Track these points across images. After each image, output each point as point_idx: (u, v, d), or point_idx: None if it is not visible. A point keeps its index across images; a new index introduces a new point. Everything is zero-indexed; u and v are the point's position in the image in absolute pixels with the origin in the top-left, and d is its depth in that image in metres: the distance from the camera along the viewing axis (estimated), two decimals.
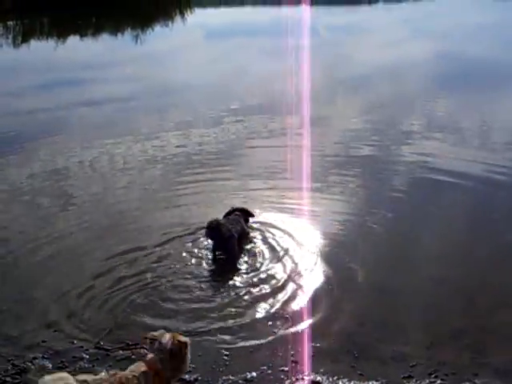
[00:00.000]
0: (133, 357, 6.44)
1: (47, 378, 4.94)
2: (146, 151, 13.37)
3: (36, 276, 8.34)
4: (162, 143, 13.95)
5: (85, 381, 5.05)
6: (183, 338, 5.34)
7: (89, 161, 12.73)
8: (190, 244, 8.78)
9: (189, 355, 5.37)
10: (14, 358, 6.65)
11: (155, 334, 5.35)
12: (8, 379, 6.34)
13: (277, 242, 8.79)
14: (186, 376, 6.12)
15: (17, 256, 8.80)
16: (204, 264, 8.25)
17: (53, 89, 20.85)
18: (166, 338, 5.24)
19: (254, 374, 6.20)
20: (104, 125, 15.84)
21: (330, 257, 8.25)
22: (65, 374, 5.05)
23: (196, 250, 8.57)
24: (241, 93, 19.13)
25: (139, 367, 5.19)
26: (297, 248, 8.53)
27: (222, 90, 19.82)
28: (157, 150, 13.41)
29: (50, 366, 6.50)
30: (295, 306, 7.29)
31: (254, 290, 7.66)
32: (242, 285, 7.75)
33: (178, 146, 13.63)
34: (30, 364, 6.52)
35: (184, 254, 8.53)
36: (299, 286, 7.60)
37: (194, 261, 8.27)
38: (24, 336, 6.99)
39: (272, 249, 8.68)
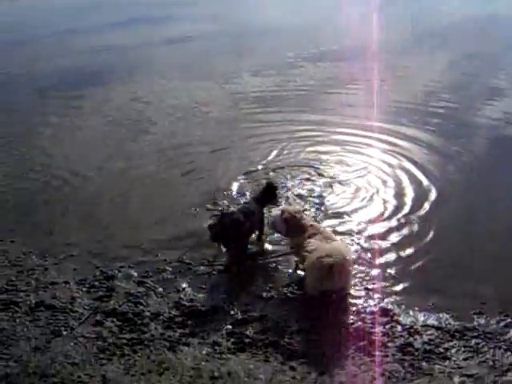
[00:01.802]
0: (213, 272, 6.71)
1: None
2: (223, 92, 13.49)
3: (132, 199, 8.91)
4: (240, 85, 14.02)
5: None
6: None
7: (166, 100, 12.95)
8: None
9: None
10: (103, 266, 7.02)
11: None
12: (96, 283, 6.72)
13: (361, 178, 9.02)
14: (264, 293, 6.35)
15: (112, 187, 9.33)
16: None
17: (130, 26, 21.16)
18: None
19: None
20: (182, 64, 16.05)
21: (414, 199, 8.29)
22: None
23: None
24: (321, 38, 18.94)
25: None
26: (384, 187, 8.61)
27: (302, 34, 19.66)
28: (234, 90, 13.50)
29: (135, 274, 6.81)
30: (378, 241, 7.39)
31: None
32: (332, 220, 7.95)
33: (255, 87, 13.65)
34: (116, 272, 6.86)
35: None
36: (384, 225, 7.71)
37: None
38: (112, 249, 7.33)
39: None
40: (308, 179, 9.09)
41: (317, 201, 8.40)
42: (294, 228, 6.61)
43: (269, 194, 7.45)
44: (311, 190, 8.70)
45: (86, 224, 8.14)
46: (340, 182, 8.91)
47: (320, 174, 9.17)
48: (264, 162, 9.71)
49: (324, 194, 8.54)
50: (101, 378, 5.42)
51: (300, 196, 8.52)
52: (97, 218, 8.29)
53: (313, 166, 9.45)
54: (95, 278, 6.85)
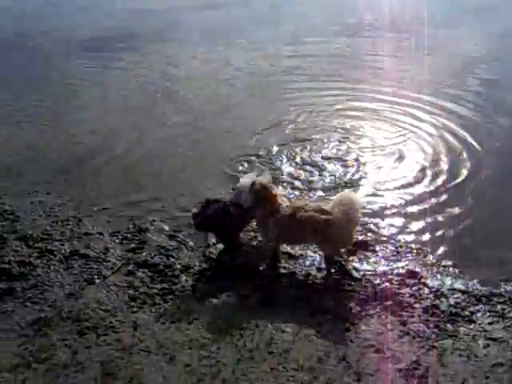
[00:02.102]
0: None
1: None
2: (257, 60, 13.46)
3: (167, 156, 9.12)
4: (274, 53, 13.97)
5: None
6: None
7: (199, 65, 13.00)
8: None
9: None
10: (136, 219, 7.15)
11: None
12: (129, 236, 6.87)
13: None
14: (292, 251, 6.44)
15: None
16: None
17: None
18: None
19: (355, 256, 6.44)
20: (216, 30, 15.99)
21: (451, 167, 8.30)
22: None
23: None
24: (359, 7, 18.69)
25: None
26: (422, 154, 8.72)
27: (340, 3, 19.41)
28: (268, 59, 13.46)
29: (167, 228, 6.95)
30: (411, 206, 7.48)
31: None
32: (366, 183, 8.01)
33: (289, 57, 13.61)
34: (149, 225, 7.00)
35: None
36: (418, 190, 7.85)
37: None
38: (145, 203, 7.47)
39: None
40: (343, 142, 9.14)
41: (353, 163, 8.40)
42: (262, 200, 6.12)
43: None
44: (346, 153, 8.68)
45: (118, 179, 8.30)
46: (376, 147, 8.89)
47: (356, 139, 9.11)
48: (299, 125, 9.68)
49: (360, 158, 8.50)
50: (132, 324, 5.56)
51: (336, 158, 8.50)
52: (130, 173, 8.40)
53: (349, 130, 9.40)
54: (128, 230, 7.00)
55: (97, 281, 6.18)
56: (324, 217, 5.87)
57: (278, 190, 6.32)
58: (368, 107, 10.45)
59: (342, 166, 8.38)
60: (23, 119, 10.42)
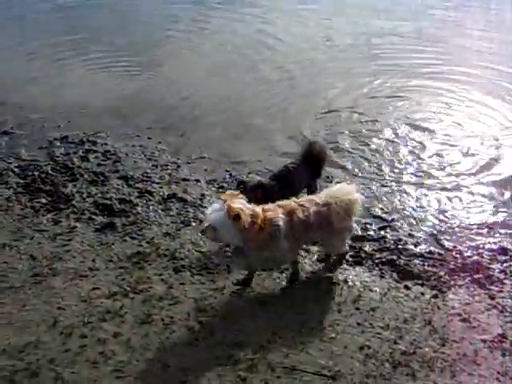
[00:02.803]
0: None
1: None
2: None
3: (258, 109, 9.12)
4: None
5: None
6: None
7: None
8: None
9: None
10: (232, 170, 7.35)
11: None
12: (225, 185, 7.10)
13: None
14: (384, 215, 6.50)
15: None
16: None
17: None
18: None
19: (449, 227, 6.52)
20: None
21: None
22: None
23: None
24: None
25: None
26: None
27: None
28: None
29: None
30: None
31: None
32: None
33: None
34: (245, 176, 7.20)
35: None
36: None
37: None
38: (243, 155, 7.67)
39: None
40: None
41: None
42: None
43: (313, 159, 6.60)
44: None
45: (216, 131, 8.55)
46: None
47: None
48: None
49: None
50: (226, 267, 5.75)
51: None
52: (226, 126, 8.64)
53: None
54: (224, 179, 7.22)
55: (193, 224, 6.38)
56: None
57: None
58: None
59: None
60: (129, 70, 10.63)
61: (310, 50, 11.49)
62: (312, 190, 6.39)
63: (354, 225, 5.81)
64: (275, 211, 5.23)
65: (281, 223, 5.17)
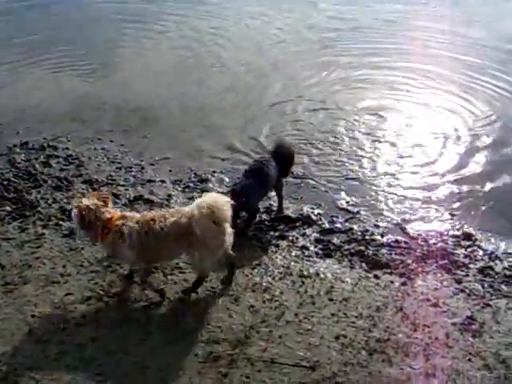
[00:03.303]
0: (301, 185, 6.97)
1: None
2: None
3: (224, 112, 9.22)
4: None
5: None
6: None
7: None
8: None
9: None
10: (197, 169, 7.39)
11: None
12: (191, 185, 7.13)
13: None
14: (350, 207, 6.64)
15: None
16: None
17: None
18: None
19: (413, 216, 6.72)
20: None
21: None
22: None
23: None
24: None
25: None
26: None
27: None
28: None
29: (227, 180, 7.17)
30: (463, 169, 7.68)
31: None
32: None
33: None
34: (209, 176, 7.23)
35: None
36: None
37: None
38: (206, 155, 7.71)
39: None
40: None
41: None
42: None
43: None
44: None
45: (178, 131, 8.54)
46: None
47: None
48: None
49: None
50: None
51: None
52: (189, 127, 8.65)
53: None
54: (190, 179, 7.26)
55: None
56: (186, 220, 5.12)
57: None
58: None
59: None
60: (83, 73, 10.52)
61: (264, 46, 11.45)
62: (279, 189, 6.49)
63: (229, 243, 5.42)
64: (129, 219, 5.24)
65: (125, 231, 5.15)
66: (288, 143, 7.08)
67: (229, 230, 5.24)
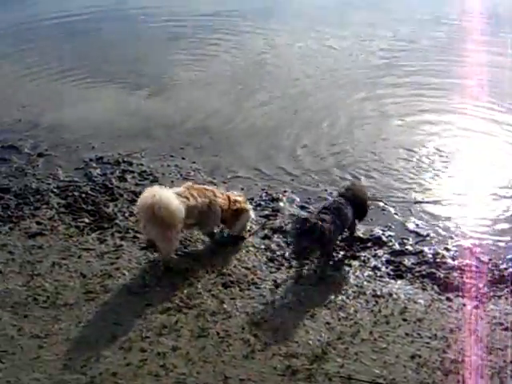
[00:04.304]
0: (372, 207, 7.11)
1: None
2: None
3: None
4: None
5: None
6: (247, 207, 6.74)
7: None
8: None
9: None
10: (268, 189, 7.58)
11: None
12: (262, 203, 7.32)
13: None
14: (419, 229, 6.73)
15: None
16: None
17: None
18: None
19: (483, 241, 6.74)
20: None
21: None
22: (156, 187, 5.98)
23: None
24: None
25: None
26: None
27: None
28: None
29: (298, 199, 7.35)
30: None
31: None
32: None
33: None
34: (281, 195, 7.41)
35: None
36: None
37: None
38: (278, 175, 7.90)
39: None
40: None
41: None
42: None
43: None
44: None
45: (247, 150, 8.75)
46: None
47: None
48: None
49: None
50: (272, 282, 5.98)
51: None
52: (257, 146, 8.91)
53: None
54: (261, 198, 7.44)
55: (238, 241, 6.58)
56: None
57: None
58: None
59: None
60: (144, 91, 10.92)
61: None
62: (352, 232, 6.64)
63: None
64: None
65: None
66: (361, 185, 7.03)
67: None
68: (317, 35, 13.32)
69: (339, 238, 6.45)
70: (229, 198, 6.53)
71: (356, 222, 6.63)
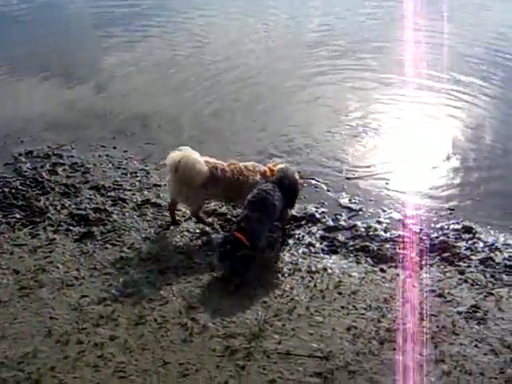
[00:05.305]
0: (304, 185, 7.18)
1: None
2: None
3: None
4: None
5: (207, 161, 6.30)
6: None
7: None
8: None
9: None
10: None
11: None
12: None
13: None
14: (352, 205, 6.83)
15: None
16: None
17: None
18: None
19: (414, 211, 6.95)
20: None
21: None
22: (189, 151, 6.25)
23: None
24: None
25: (259, 167, 6.58)
26: None
27: None
28: None
29: None
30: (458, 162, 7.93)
31: None
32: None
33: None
34: None
35: None
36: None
37: None
38: (211, 156, 7.82)
39: None
40: None
41: None
42: None
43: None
44: None
45: (182, 136, 8.68)
46: None
47: None
48: None
49: None
50: (208, 265, 5.97)
51: None
52: (188, 132, 8.94)
53: None
54: None
55: (171, 227, 6.55)
56: None
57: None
58: None
59: None
60: (71, 82, 10.75)
61: None
62: (283, 222, 6.48)
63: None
64: None
65: None
66: (292, 171, 6.63)
67: None
68: None
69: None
70: (272, 170, 6.44)
71: (287, 210, 6.39)
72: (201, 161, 6.24)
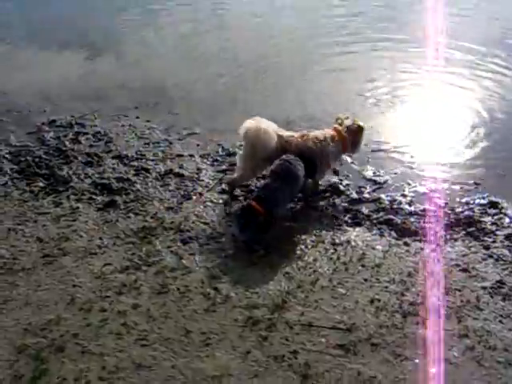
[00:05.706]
0: None
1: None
2: None
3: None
4: None
5: (280, 136, 6.23)
6: (362, 124, 6.47)
7: None
8: None
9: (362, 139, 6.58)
10: (224, 144, 7.56)
11: (342, 116, 6.50)
12: (219, 158, 7.32)
13: None
14: (376, 177, 6.76)
15: None
16: None
17: None
18: (349, 121, 6.42)
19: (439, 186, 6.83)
20: None
21: None
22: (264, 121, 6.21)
23: None
24: None
25: (329, 132, 6.35)
26: None
27: None
28: None
29: None
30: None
31: None
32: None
33: None
34: (237, 149, 7.36)
35: None
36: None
37: None
38: (232, 130, 7.72)
39: None
40: None
41: None
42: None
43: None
44: None
45: (204, 107, 8.64)
46: None
47: None
48: None
49: None
50: (231, 235, 5.95)
51: None
52: (212, 103, 8.80)
53: None
54: (217, 153, 7.36)
55: (193, 197, 6.54)
56: None
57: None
58: None
59: None
60: (90, 54, 10.71)
61: None
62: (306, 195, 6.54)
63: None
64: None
65: None
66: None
67: None
68: None
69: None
70: (339, 132, 6.48)
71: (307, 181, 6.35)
72: (270, 132, 6.16)
